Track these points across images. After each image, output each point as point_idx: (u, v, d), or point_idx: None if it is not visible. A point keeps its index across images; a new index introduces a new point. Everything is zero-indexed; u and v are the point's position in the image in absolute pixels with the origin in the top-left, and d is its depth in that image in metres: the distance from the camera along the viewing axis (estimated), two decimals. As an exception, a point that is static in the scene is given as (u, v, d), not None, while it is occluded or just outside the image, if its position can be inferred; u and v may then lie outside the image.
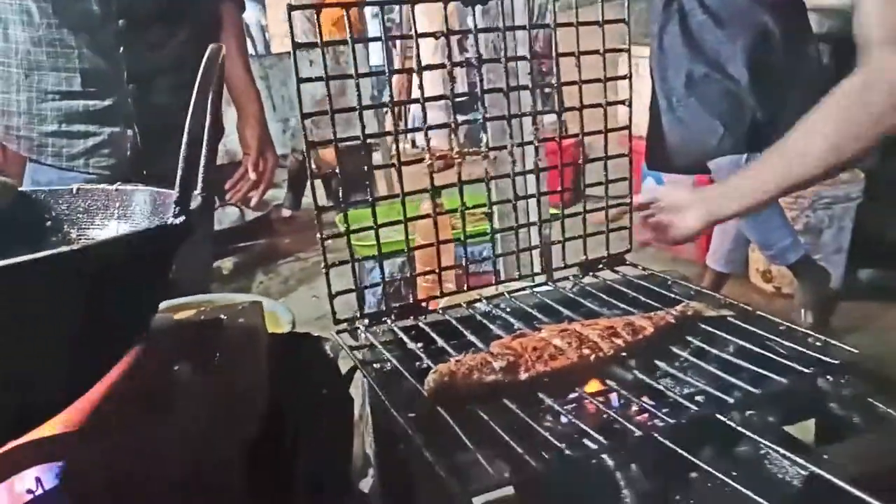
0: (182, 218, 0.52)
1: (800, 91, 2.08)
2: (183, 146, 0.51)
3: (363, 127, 0.84)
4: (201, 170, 0.58)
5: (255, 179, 1.63)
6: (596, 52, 0.92)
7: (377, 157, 3.96)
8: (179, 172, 0.52)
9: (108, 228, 0.74)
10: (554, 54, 0.92)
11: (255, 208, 3.75)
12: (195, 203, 0.56)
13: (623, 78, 0.96)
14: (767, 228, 2.24)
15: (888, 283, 2.75)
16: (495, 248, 0.97)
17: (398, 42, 4.44)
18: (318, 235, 0.83)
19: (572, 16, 0.94)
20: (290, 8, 0.77)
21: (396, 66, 5.99)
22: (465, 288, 0.96)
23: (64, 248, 0.48)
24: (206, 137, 0.57)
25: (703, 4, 2.03)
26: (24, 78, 1.39)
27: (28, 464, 0.55)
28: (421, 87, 0.87)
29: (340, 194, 0.91)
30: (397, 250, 1.00)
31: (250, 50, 5.33)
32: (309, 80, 0.78)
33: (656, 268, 1.03)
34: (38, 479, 0.53)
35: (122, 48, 1.38)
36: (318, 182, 0.90)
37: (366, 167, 0.96)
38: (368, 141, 0.86)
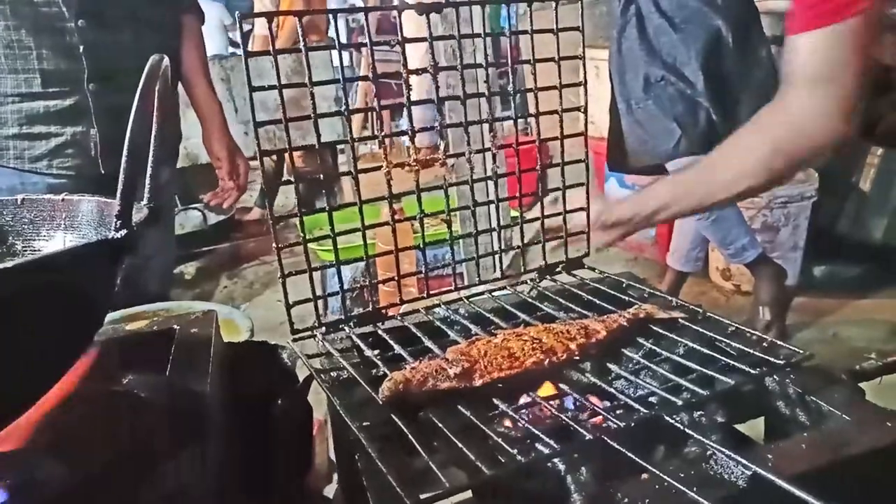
0: (123, 231, 0.51)
1: (753, 94, 2.13)
2: (123, 157, 0.51)
3: (318, 136, 0.83)
4: (147, 180, 0.57)
5: (234, 188, 1.64)
6: (551, 59, 0.93)
7: (342, 159, 3.94)
8: (120, 185, 0.51)
9: (55, 240, 0.72)
10: (510, 61, 0.93)
11: (218, 212, 3.71)
12: (140, 215, 0.55)
13: (578, 85, 0.97)
14: (725, 228, 2.29)
15: (841, 277, 2.84)
16: (455, 254, 0.97)
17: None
18: (274, 245, 0.83)
19: (535, 22, 0.94)
20: (241, 17, 0.76)
21: (362, 66, 5.98)
22: (426, 294, 0.96)
23: (3, 265, 0.47)
24: (151, 147, 0.56)
25: (658, 8, 2.06)
26: None
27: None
28: (409, 88, 0.86)
29: (297, 202, 0.90)
30: (358, 257, 0.99)
31: (214, 51, 5.27)
32: (261, 88, 0.78)
33: (618, 267, 1.05)
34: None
35: (82, 47, 1.36)
36: (288, 187, 0.89)
37: (330, 172, 0.96)
38: (336, 161, 0.86)
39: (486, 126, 0.94)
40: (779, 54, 2.90)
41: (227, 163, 1.65)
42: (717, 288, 2.88)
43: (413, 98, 0.88)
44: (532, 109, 0.95)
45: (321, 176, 0.91)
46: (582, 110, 0.99)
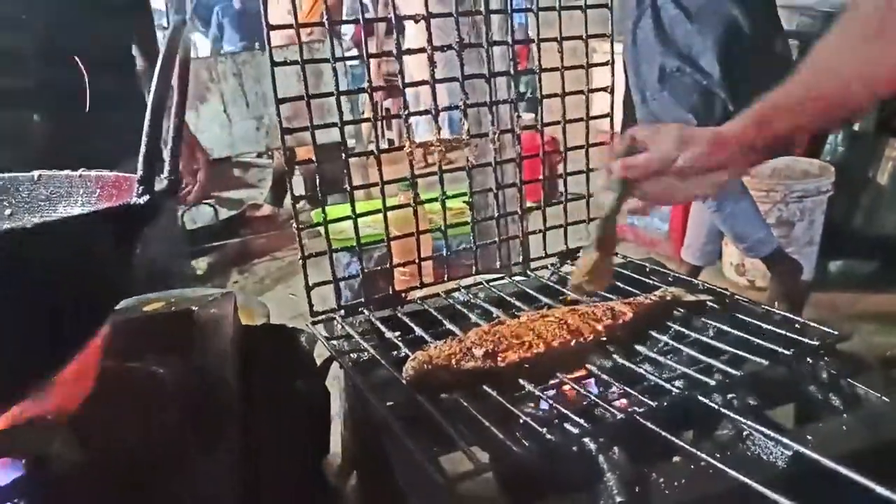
0: (146, 197, 0.49)
1: (770, 85, 2.10)
2: (146, 122, 0.49)
3: (341, 113, 0.82)
4: (168, 152, 0.55)
5: (193, 182, 1.49)
6: (579, 37, 0.91)
7: (355, 159, 3.93)
8: (142, 151, 0.50)
9: (64, 217, 0.71)
10: (537, 39, 0.91)
11: (229, 207, 3.70)
12: (161, 185, 0.53)
13: (605, 64, 0.95)
14: (740, 222, 2.26)
15: (857, 273, 2.80)
16: (475, 239, 0.96)
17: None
18: (295, 225, 0.81)
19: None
20: (269, 28, 0.75)
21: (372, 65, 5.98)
22: (446, 278, 0.95)
23: (23, 225, 0.46)
24: (172, 118, 0.55)
25: (674, -1, 2.04)
26: None
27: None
28: (432, 75, 0.85)
29: (318, 183, 0.88)
30: (374, 241, 0.98)
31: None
32: (283, 63, 0.76)
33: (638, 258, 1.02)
34: (-2, 473, 0.50)
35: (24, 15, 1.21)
36: (298, 180, 0.88)
37: (344, 166, 0.94)
38: (345, 141, 0.84)
39: (505, 111, 0.93)
40: (795, 47, 2.88)
41: (187, 156, 1.47)
42: (730, 283, 2.84)
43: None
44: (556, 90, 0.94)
45: (344, 171, 0.88)
46: (608, 90, 0.97)
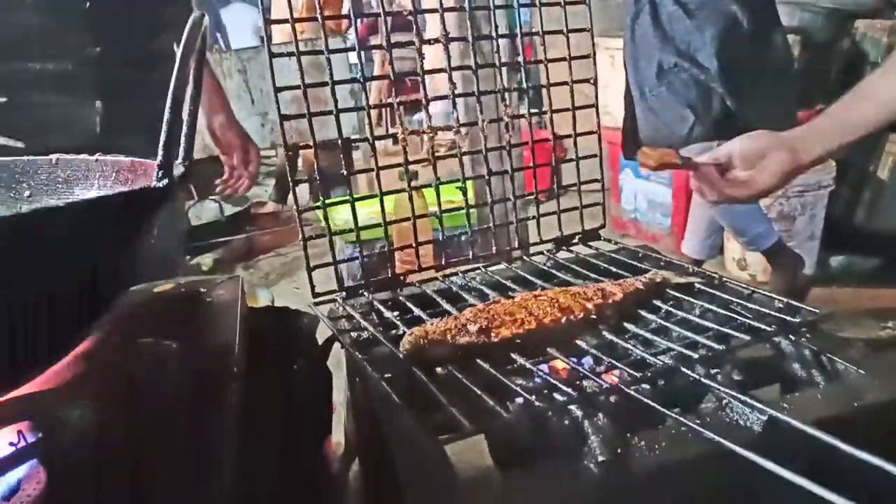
0: (165, 181, 0.53)
1: (768, 80, 2.12)
2: (166, 110, 0.52)
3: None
4: (183, 139, 0.59)
5: (247, 175, 1.58)
6: (559, 31, 0.94)
7: (358, 155, 3.96)
8: (162, 137, 0.53)
9: (89, 198, 0.74)
10: (523, 60, 0.95)
11: (234, 203, 3.75)
12: (177, 171, 0.57)
13: (586, 57, 0.98)
14: (741, 215, 2.28)
15: (858, 268, 2.81)
16: (471, 225, 0.99)
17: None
18: (295, 208, 0.84)
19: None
20: (267, 21, 0.79)
21: (376, 62, 6.02)
22: (443, 262, 0.98)
23: (45, 205, 0.49)
24: (188, 105, 0.58)
25: (673, -5, 2.06)
26: None
27: (7, 420, 0.55)
28: (422, 57, 0.88)
29: (316, 174, 0.91)
30: (375, 234, 1.01)
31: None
32: (281, 55, 0.80)
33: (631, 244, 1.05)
34: (20, 433, 0.53)
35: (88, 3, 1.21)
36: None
37: (344, 158, 0.97)
38: (341, 129, 0.87)
39: (499, 99, 0.96)
40: (794, 45, 2.90)
41: (240, 150, 1.56)
42: (732, 278, 2.86)
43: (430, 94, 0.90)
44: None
45: (343, 172, 0.91)
46: (591, 82, 1.00)
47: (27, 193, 0.73)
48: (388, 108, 5.08)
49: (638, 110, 2.21)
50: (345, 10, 4.36)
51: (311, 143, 0.85)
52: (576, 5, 0.98)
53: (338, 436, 1.15)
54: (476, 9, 0.92)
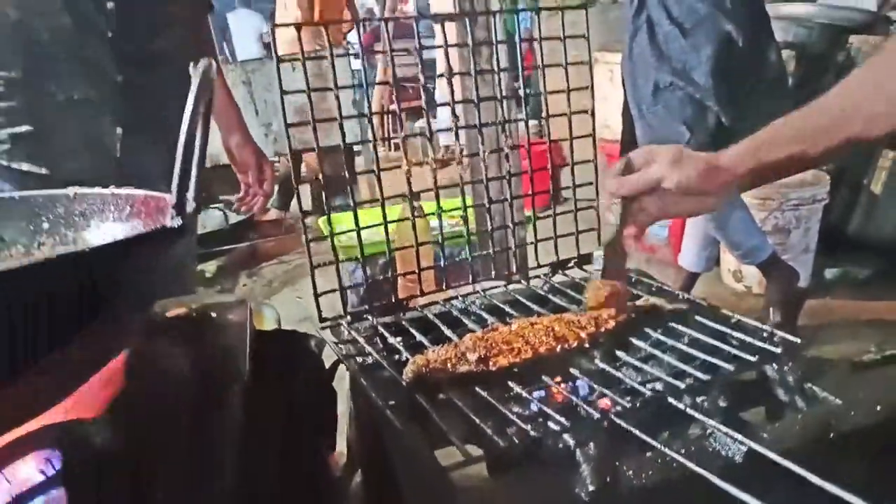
0: (180, 220, 0.57)
1: (763, 96, 2.17)
2: (179, 152, 0.56)
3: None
4: (193, 176, 0.63)
5: (262, 193, 1.62)
6: (559, 65, 0.98)
7: (360, 161, 4.01)
8: (175, 178, 0.57)
9: (104, 230, 0.78)
10: (520, 68, 0.98)
11: (239, 212, 3.79)
12: (189, 208, 0.60)
13: (585, 88, 1.02)
14: (734, 230, 2.32)
15: (851, 279, 2.85)
16: (472, 249, 1.03)
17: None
18: (304, 238, 0.88)
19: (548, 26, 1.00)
20: (274, 26, 0.83)
21: (378, 69, 6.08)
22: (444, 286, 1.02)
23: (65, 251, 0.52)
24: (198, 145, 0.62)
25: (669, 15, 2.10)
26: None
27: (36, 447, 0.59)
28: (452, 93, 0.92)
29: (324, 198, 0.95)
30: (378, 252, 1.05)
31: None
32: (291, 91, 0.84)
33: (629, 267, 1.09)
34: (48, 460, 0.57)
35: (110, 33, 1.26)
36: (304, 187, 0.95)
37: (347, 172, 1.01)
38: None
39: (500, 128, 1.00)
40: (789, 60, 2.94)
41: (256, 168, 1.62)
42: (728, 289, 2.90)
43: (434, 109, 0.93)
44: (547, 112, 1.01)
45: (346, 174, 0.96)
46: (589, 112, 1.04)
47: (45, 226, 0.77)
48: (391, 115, 5.15)
49: (636, 126, 2.25)
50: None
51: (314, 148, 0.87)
52: (575, 10, 1.01)
53: (341, 446, 1.20)
54: (479, 44, 0.95)
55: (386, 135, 5.30)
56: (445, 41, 0.91)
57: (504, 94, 0.97)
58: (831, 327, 2.60)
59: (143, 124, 1.31)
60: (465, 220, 0.98)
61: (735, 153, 0.83)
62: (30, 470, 0.57)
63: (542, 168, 1.03)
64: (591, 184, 1.06)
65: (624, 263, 0.85)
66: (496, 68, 0.95)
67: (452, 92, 0.91)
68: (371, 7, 9.12)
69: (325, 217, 1.69)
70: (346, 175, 0.98)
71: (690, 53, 2.09)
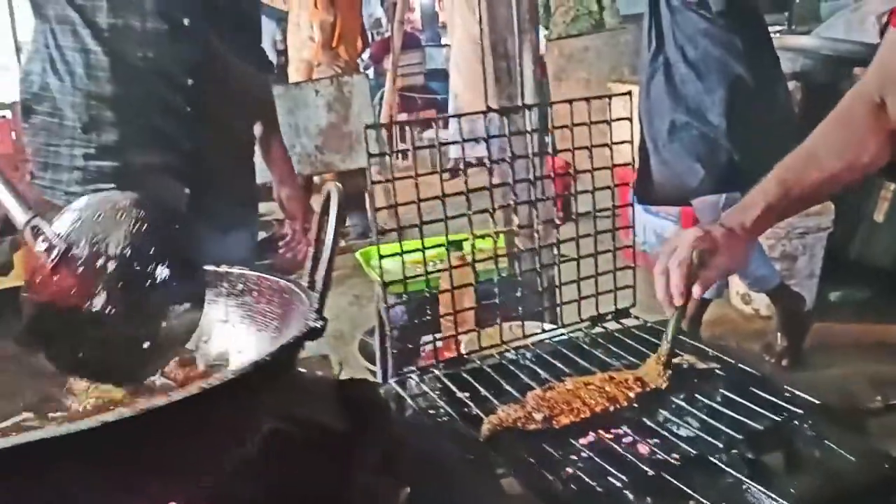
0: (321, 322, 0.68)
1: (773, 132, 2.30)
2: (323, 268, 0.69)
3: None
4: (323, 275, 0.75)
5: (306, 242, 1.71)
6: (605, 145, 1.11)
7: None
8: (320, 286, 0.69)
9: (217, 304, 0.90)
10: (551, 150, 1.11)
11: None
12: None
13: (625, 165, 1.15)
14: (746, 260, 2.45)
15: (852, 301, 2.98)
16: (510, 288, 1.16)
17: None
18: (383, 305, 1.00)
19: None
20: (367, 127, 0.95)
21: (387, 81, 6.21)
22: (500, 340, 1.14)
23: (233, 373, 0.62)
24: (331, 248, 0.74)
25: (685, 58, 2.24)
26: (80, 132, 1.40)
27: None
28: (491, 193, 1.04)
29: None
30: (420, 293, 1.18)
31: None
32: (377, 154, 0.97)
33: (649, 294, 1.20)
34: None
35: (189, 108, 1.41)
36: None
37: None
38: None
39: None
40: (795, 90, 3.06)
41: (303, 220, 1.75)
42: (737, 312, 3.03)
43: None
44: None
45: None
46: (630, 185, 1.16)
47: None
48: (399, 127, 5.26)
49: (652, 161, 2.38)
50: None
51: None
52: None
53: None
54: (515, 134, 1.09)
55: (393, 147, 5.43)
56: (487, 133, 1.04)
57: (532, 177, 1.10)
58: (835, 349, 2.73)
59: (207, 185, 1.45)
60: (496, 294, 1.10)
61: (752, 217, 1.04)
62: None
63: (585, 235, 1.15)
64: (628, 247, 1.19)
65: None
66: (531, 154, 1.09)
67: (491, 175, 1.04)
68: (379, 17, 9.25)
69: (364, 250, 1.83)
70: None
71: (705, 95, 2.23)
